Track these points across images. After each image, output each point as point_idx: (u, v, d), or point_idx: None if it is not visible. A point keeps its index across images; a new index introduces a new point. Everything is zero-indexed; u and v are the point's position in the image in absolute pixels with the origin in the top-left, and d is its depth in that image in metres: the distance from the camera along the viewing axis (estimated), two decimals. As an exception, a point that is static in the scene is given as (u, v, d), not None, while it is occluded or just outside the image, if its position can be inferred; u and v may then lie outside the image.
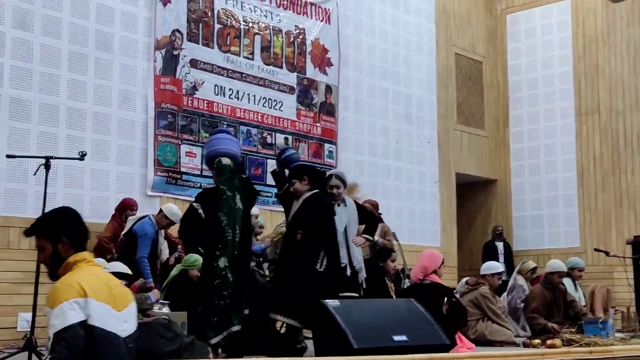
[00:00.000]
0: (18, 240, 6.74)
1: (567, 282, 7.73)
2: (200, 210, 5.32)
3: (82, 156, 5.10)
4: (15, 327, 6.63)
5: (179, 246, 7.17)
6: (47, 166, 4.86)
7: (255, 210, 7.60)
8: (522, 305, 7.65)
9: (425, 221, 10.93)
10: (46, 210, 5.33)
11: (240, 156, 5.59)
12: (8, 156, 5.16)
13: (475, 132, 12.13)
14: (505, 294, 8.31)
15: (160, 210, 6.64)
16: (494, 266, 7.16)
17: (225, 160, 5.32)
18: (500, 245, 11.46)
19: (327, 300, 4.93)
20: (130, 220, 6.47)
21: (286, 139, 8.82)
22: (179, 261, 6.62)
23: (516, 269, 8.35)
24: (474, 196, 12.53)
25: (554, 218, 11.74)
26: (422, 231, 10.85)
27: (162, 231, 6.66)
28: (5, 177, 6.69)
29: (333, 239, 5.52)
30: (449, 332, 5.22)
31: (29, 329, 5.66)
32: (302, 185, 5.64)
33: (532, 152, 12.12)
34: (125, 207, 6.89)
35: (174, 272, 6.27)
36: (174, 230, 7.38)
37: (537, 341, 6.37)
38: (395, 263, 6.33)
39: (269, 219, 8.28)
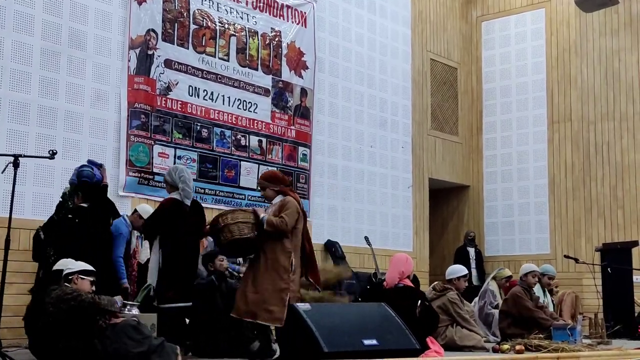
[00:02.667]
0: (-16, 238, 6.65)
1: (536, 288, 7.83)
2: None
3: (52, 155, 5.05)
4: (-19, 327, 6.53)
5: None
6: (16, 164, 4.80)
7: None
8: (492, 310, 7.72)
9: (398, 226, 11.00)
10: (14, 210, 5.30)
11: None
12: (-25, 154, 5.09)
13: (449, 138, 12.25)
14: (476, 299, 8.39)
15: (135, 210, 6.57)
16: (458, 269, 7.21)
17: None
18: (472, 250, 11.58)
19: (298, 304, 4.94)
20: (104, 221, 6.40)
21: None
22: None
23: (491, 275, 8.42)
24: (447, 201, 12.64)
25: (525, 225, 11.89)
26: (394, 235, 10.91)
27: (135, 232, 6.60)
28: (-27, 175, 6.59)
29: None
30: (420, 336, 5.27)
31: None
32: (77, 202, 6.00)
33: (504, 159, 12.26)
34: None
35: None
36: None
37: (506, 346, 6.44)
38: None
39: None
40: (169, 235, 5.37)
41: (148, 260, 6.79)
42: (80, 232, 5.78)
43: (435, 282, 7.28)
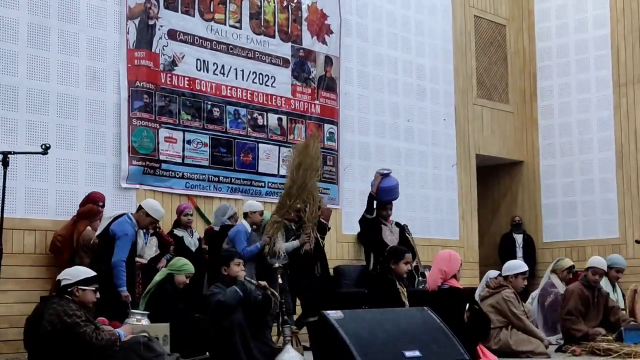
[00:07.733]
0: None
1: (603, 282, 7.72)
2: None
3: (45, 149, 5.11)
4: None
5: (172, 247, 7.18)
6: (5, 162, 4.87)
7: (258, 205, 7.62)
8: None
9: (442, 211, 10.96)
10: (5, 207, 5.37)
11: None
12: (-42, 152, 5.17)
13: (498, 107, 12.13)
14: (534, 294, 8.32)
15: (140, 207, 6.56)
16: (515, 265, 7.15)
17: None
18: (519, 237, 11.56)
19: (329, 312, 4.95)
20: (106, 219, 6.44)
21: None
22: None
23: (549, 268, 8.33)
24: (497, 181, 12.56)
25: (589, 205, 11.76)
26: (438, 222, 10.88)
27: (141, 232, 6.65)
28: (-42, 171, 6.69)
29: None
30: (469, 345, 5.26)
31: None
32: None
33: (563, 130, 12.11)
34: (90, 202, 6.91)
35: (158, 276, 6.26)
36: (166, 227, 7.41)
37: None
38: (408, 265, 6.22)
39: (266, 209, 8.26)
40: None
41: (152, 259, 6.90)
42: None
43: (489, 279, 7.25)
